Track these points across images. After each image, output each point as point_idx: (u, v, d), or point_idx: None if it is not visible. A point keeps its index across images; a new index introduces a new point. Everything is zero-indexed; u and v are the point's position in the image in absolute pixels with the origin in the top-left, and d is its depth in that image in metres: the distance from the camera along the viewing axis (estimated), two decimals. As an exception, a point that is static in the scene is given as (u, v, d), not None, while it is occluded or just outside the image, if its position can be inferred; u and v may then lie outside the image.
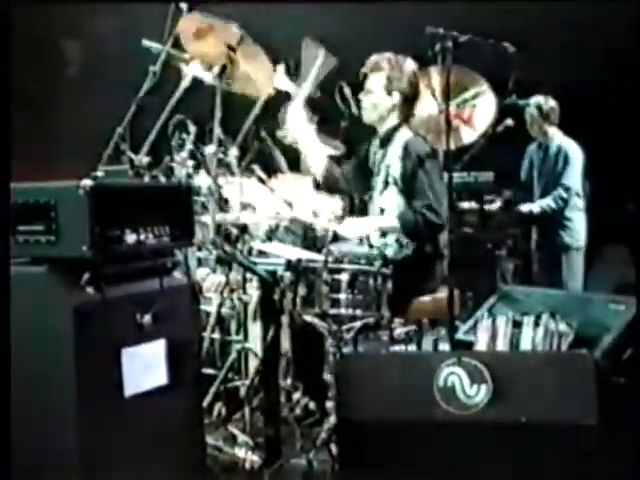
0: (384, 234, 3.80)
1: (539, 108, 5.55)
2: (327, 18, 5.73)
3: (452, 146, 3.57)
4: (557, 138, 5.63)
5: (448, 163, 3.59)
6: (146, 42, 4.21)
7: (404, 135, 3.83)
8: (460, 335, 3.44)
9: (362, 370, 2.95)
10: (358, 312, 3.33)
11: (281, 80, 4.57)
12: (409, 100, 3.86)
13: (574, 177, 5.52)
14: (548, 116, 5.59)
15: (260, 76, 4.13)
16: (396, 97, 3.83)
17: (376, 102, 3.87)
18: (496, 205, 5.57)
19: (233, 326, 4.01)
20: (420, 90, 3.93)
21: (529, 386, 2.77)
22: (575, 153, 5.54)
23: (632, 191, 5.45)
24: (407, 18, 5.32)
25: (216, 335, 4.01)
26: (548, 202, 5.52)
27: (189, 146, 4.03)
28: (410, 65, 3.86)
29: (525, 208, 5.56)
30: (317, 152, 4.05)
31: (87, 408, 2.37)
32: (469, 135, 4.74)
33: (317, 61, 4.18)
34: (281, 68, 4.54)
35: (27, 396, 2.37)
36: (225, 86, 4.05)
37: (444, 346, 3.68)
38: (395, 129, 3.85)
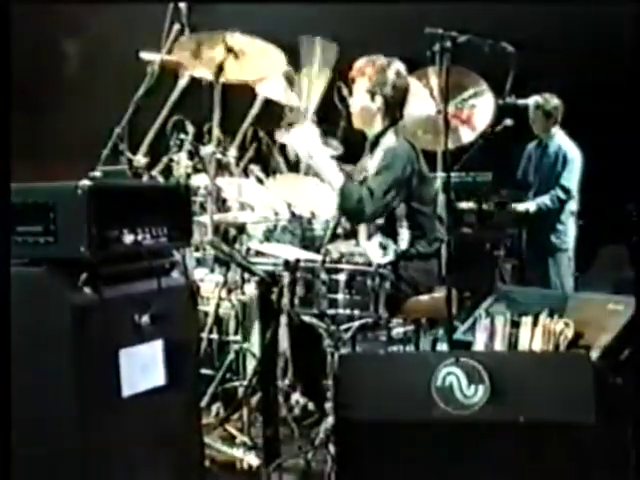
0: (370, 237, 3.80)
1: (542, 106, 5.54)
2: (327, 18, 5.73)
3: (451, 146, 3.56)
4: (558, 138, 5.63)
5: (446, 163, 3.59)
6: (144, 55, 4.19)
7: (388, 140, 3.77)
8: (458, 335, 3.44)
9: (360, 370, 2.95)
10: (356, 312, 3.33)
11: (281, 91, 4.55)
12: (394, 104, 3.78)
13: (572, 179, 5.53)
14: (550, 114, 5.58)
15: (266, 57, 4.06)
16: (379, 101, 3.76)
17: (361, 106, 3.81)
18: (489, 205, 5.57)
19: (231, 326, 4.02)
20: (407, 94, 3.85)
21: (527, 386, 2.77)
22: (575, 155, 5.55)
23: (631, 190, 5.47)
24: (407, 18, 5.32)
25: (214, 335, 4.02)
26: (545, 201, 5.53)
27: (187, 146, 4.03)
28: (395, 68, 3.77)
29: (521, 207, 5.57)
30: (334, 170, 3.74)
31: (85, 408, 2.38)
32: (468, 135, 4.75)
33: (316, 52, 4.04)
34: (281, 79, 4.51)
35: (26, 396, 2.37)
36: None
37: (442, 346, 3.69)
38: (381, 134, 3.80)
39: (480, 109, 4.72)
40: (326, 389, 3.44)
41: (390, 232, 3.74)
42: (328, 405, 3.39)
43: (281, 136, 4.45)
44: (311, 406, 3.79)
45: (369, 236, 3.80)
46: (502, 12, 5.46)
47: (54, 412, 2.38)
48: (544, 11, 5.66)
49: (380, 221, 3.75)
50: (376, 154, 3.78)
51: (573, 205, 5.57)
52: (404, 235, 3.74)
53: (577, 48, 5.78)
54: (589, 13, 5.50)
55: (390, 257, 3.62)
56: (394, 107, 3.79)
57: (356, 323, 3.41)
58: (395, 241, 3.72)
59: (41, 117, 5.64)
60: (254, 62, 3.98)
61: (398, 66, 3.80)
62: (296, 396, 3.83)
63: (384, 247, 3.70)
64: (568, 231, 5.57)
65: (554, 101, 5.57)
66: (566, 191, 5.51)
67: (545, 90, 5.58)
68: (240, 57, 3.93)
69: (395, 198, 3.65)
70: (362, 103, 3.80)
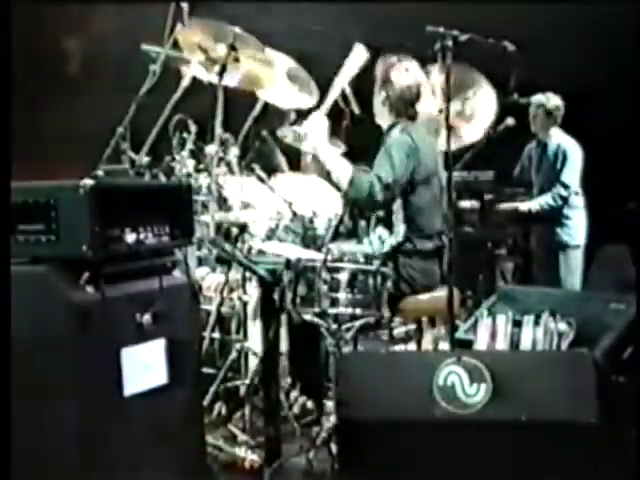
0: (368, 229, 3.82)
1: (544, 106, 5.54)
2: (327, 17, 5.73)
3: (453, 145, 3.56)
4: (556, 136, 5.62)
5: (449, 162, 3.59)
6: (145, 47, 4.20)
7: (392, 134, 3.83)
8: (460, 334, 3.44)
9: (362, 369, 2.95)
10: (358, 311, 3.33)
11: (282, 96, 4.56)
12: (401, 101, 3.84)
13: (573, 175, 5.52)
14: (552, 114, 5.57)
15: (264, 71, 4.09)
16: (387, 98, 3.84)
17: (375, 104, 3.92)
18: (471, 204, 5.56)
19: (233, 325, 4.01)
20: (416, 92, 3.88)
21: (529, 385, 2.77)
22: (574, 151, 5.53)
23: (633, 190, 5.46)
24: (407, 17, 5.31)
25: (216, 334, 4.02)
26: (547, 199, 5.52)
27: (190, 145, 4.03)
28: (403, 66, 3.83)
29: (524, 206, 5.56)
30: (340, 162, 3.79)
31: (87, 408, 2.38)
32: (470, 134, 4.75)
33: (350, 57, 4.02)
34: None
35: (27, 396, 2.37)
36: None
37: (444, 345, 3.69)
38: (389, 130, 3.86)
39: (482, 108, 4.72)
40: (326, 388, 3.45)
41: (387, 224, 3.76)
42: (329, 404, 3.39)
43: (287, 131, 4.47)
44: (310, 404, 3.79)
45: (374, 227, 3.81)
46: (502, 11, 5.45)
47: (55, 411, 2.38)
48: (544, 10, 5.65)
49: (381, 213, 3.78)
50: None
51: (579, 201, 5.55)
52: (399, 228, 3.76)
53: (577, 47, 5.77)
54: (589, 12, 5.49)
55: (386, 249, 3.64)
56: (402, 104, 3.85)
57: (358, 322, 3.41)
58: (391, 234, 3.74)
59: (42, 116, 5.64)
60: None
61: (407, 64, 3.85)
62: (295, 394, 3.83)
63: (382, 240, 3.71)
64: (577, 226, 5.55)
65: (556, 100, 5.56)
66: (566, 187, 5.50)
67: (547, 89, 5.58)
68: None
69: (400, 184, 3.68)
70: (375, 100, 3.92)
